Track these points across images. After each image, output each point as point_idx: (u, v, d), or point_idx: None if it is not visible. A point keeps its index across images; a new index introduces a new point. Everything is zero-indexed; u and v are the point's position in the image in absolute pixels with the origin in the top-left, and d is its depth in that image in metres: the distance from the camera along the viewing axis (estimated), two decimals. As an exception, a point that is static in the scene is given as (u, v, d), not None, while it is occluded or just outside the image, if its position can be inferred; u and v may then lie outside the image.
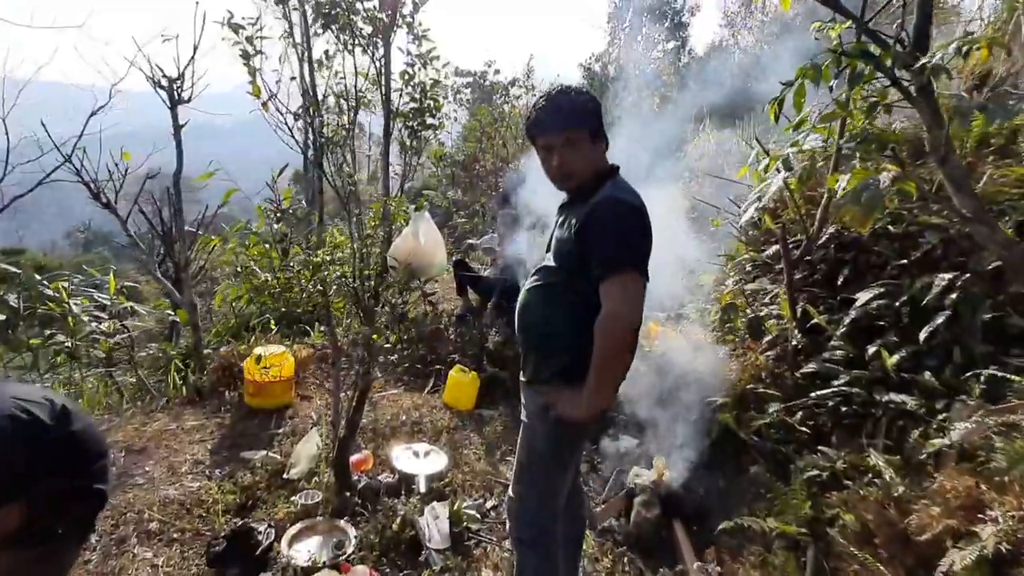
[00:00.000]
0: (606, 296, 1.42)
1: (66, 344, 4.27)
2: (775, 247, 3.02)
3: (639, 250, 1.47)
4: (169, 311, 4.64)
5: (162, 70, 3.67)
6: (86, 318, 4.33)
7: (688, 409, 3.04)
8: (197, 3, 3.53)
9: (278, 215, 2.61)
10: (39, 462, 2.08)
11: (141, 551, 2.17)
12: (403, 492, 2.67)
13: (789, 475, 2.34)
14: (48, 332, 4.41)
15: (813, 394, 2.39)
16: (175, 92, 3.73)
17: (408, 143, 2.90)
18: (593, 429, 2.85)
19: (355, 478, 2.67)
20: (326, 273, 2.16)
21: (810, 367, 2.54)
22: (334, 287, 2.24)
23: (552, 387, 1.58)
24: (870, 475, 2.03)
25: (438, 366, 3.83)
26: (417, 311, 3.82)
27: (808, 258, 2.80)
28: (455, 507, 2.46)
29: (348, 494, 2.57)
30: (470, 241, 5.91)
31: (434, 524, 2.43)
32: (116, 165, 3.84)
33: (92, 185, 3.67)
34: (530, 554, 1.73)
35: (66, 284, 4.46)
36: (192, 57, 3.67)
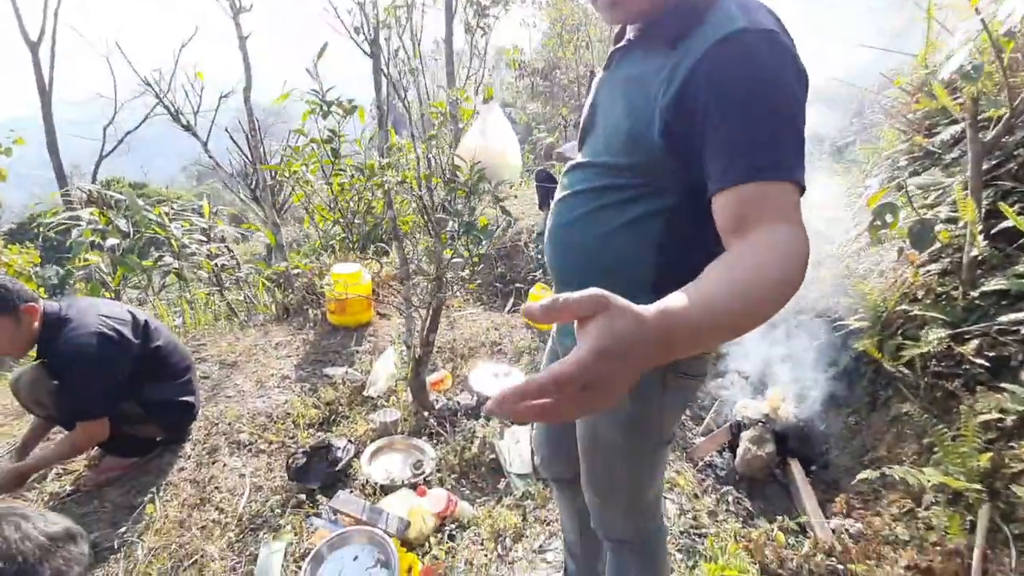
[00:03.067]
0: (776, 212, 0.69)
1: (174, 265, 4.56)
2: (950, 130, 2.31)
3: (802, 138, 0.75)
4: (258, 232, 4.76)
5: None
6: (187, 240, 4.55)
7: (812, 334, 2.57)
8: None
9: (323, 109, 2.35)
10: (127, 376, 2.14)
11: (231, 461, 2.22)
12: (482, 414, 2.54)
13: (954, 418, 1.87)
14: (158, 254, 4.73)
15: (1003, 318, 1.83)
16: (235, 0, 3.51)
17: (474, 23, 2.47)
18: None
19: (433, 398, 2.56)
20: (385, 179, 1.90)
21: (994, 283, 1.94)
22: (397, 196, 1.97)
23: None
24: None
25: (518, 284, 3.59)
26: (491, 222, 3.54)
27: (1004, 141, 2.09)
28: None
29: (426, 414, 2.48)
30: (556, 148, 5.40)
31: (515, 448, 2.27)
32: (192, 86, 3.79)
33: (172, 108, 3.66)
34: (635, 558, 1.23)
35: (167, 209, 4.67)
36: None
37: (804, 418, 2.36)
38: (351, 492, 2.03)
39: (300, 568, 1.69)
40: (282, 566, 1.72)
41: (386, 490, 2.06)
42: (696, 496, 2.15)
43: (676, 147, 0.80)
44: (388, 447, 2.31)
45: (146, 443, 2.21)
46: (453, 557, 1.79)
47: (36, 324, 1.89)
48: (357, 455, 2.22)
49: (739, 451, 2.27)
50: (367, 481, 2.09)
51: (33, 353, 1.97)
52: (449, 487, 2.07)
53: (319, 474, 2.08)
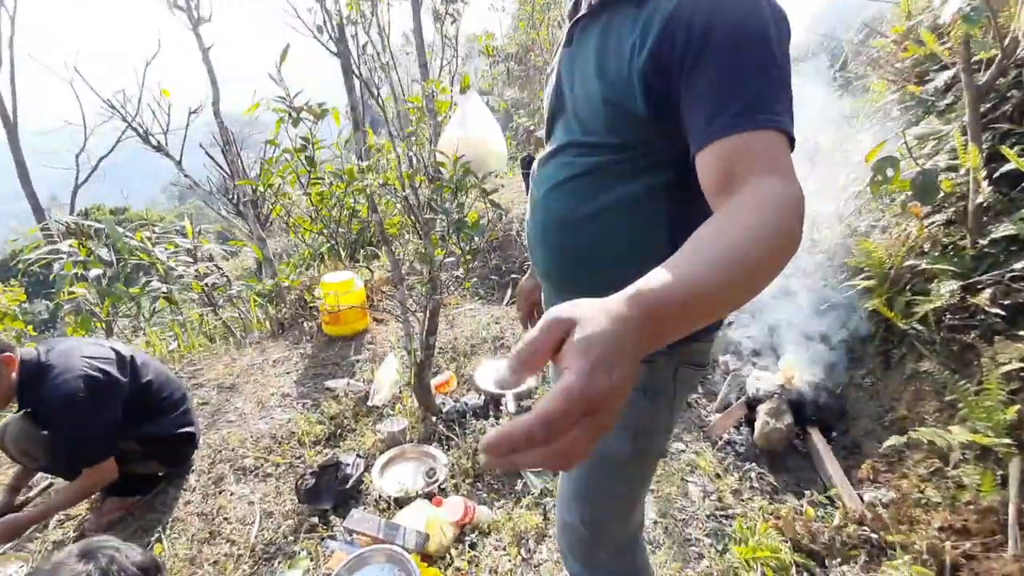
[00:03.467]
0: (765, 164, 0.63)
1: (162, 290, 4.46)
2: (942, 76, 2.24)
3: (789, 84, 0.69)
4: (245, 247, 4.65)
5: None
6: (172, 263, 4.45)
7: (819, 298, 2.51)
8: None
9: (293, 116, 2.25)
10: (121, 416, 2.06)
11: (238, 488, 2.15)
12: (492, 413, 2.48)
13: (974, 371, 1.82)
14: (145, 280, 4.62)
15: (1017, 264, 1.77)
16: (192, 11, 3.37)
17: (442, 10, 2.36)
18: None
19: (439, 401, 2.50)
20: (366, 183, 1.81)
21: (1003, 229, 1.88)
22: (381, 198, 1.88)
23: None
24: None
25: (514, 275, 3.51)
26: (481, 216, 3.47)
27: (997, 84, 2.02)
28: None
29: (434, 419, 2.42)
30: (534, 132, 5.28)
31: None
32: (159, 104, 3.66)
33: (140, 129, 3.53)
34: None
35: (148, 234, 4.55)
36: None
37: (819, 385, 2.31)
38: (365, 509, 1.97)
39: (320, 594, 1.63)
40: (301, 594, 1.67)
41: (400, 503, 2.00)
42: (718, 476, 2.10)
43: (662, 111, 0.72)
44: (399, 457, 2.25)
45: (148, 479, 2.14)
46: (476, 566, 1.74)
47: (14, 375, 1.80)
48: (368, 469, 2.16)
49: (757, 425, 2.22)
50: (380, 496, 2.04)
51: (15, 405, 1.89)
52: (465, 493, 2.01)
53: (330, 493, 2.01)
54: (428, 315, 2.24)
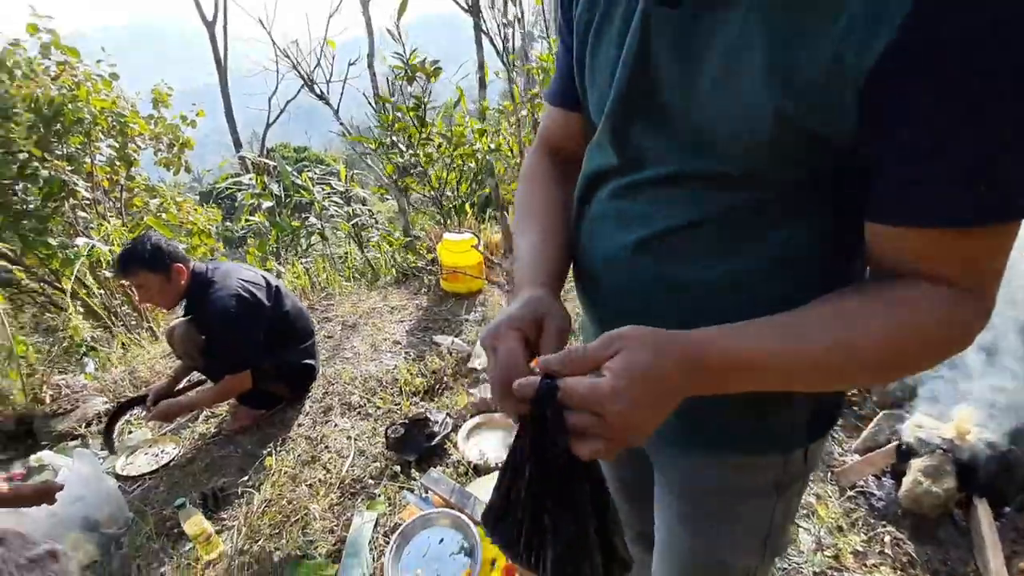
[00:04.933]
0: (971, 273, 0.47)
1: (317, 226, 4.97)
2: None
3: None
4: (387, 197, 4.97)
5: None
6: (327, 203, 4.91)
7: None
8: None
9: (408, 73, 2.20)
10: (261, 336, 2.32)
11: (341, 422, 2.33)
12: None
13: None
14: (304, 216, 5.19)
15: None
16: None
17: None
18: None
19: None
20: (478, 147, 1.73)
21: None
22: (499, 162, 1.79)
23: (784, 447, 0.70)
24: None
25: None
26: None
27: None
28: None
29: (528, 393, 2.36)
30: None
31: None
32: (323, 52, 3.94)
33: (306, 77, 3.85)
34: None
35: (311, 175, 5.06)
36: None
37: (1001, 448, 1.80)
38: (444, 470, 2.01)
39: (388, 541, 1.70)
40: (371, 537, 1.75)
41: (479, 471, 2.00)
42: (840, 529, 1.77)
43: (867, 135, 0.46)
44: (486, 425, 2.24)
45: (274, 399, 2.41)
46: (539, 557, 1.67)
47: (184, 282, 2.10)
48: (455, 429, 2.19)
49: (906, 481, 1.81)
50: (461, 460, 2.06)
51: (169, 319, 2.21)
52: (542, 478, 1.94)
53: (415, 447, 2.08)
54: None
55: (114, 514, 1.88)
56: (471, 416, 2.29)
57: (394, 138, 2.68)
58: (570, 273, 0.75)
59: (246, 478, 2.05)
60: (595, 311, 0.72)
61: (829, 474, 1.98)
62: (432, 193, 3.37)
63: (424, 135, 2.44)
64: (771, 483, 0.71)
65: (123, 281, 2.27)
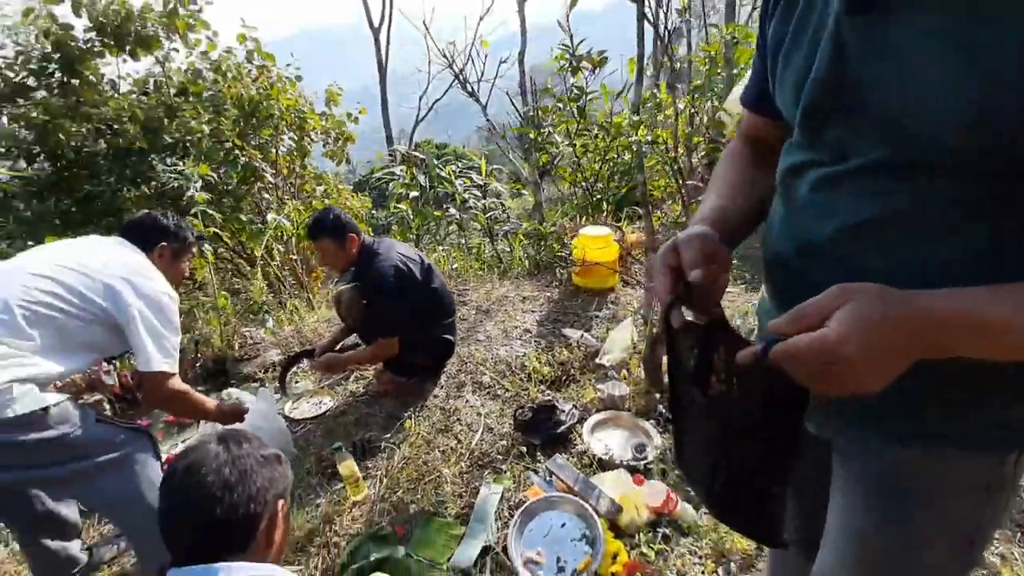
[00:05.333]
0: None
1: (456, 217, 5.29)
2: None
3: None
4: (522, 191, 5.12)
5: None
6: (467, 196, 5.20)
7: None
8: None
9: (572, 64, 2.21)
10: (412, 306, 2.54)
11: (472, 398, 2.46)
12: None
13: None
14: (445, 206, 5.54)
15: None
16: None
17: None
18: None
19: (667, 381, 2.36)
20: (632, 139, 1.71)
21: None
22: (652, 157, 1.77)
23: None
24: None
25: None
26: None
27: None
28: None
29: (658, 396, 2.30)
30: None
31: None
32: (478, 54, 4.17)
33: (459, 76, 4.11)
34: None
35: (454, 168, 5.39)
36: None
37: None
38: (568, 458, 2.03)
39: (512, 516, 1.77)
40: (497, 508, 1.83)
41: (603, 465, 2.00)
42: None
43: None
44: (612, 421, 2.23)
45: (415, 369, 2.62)
46: (664, 561, 1.63)
47: (354, 251, 2.36)
48: (580, 421, 2.20)
49: None
50: (585, 451, 2.06)
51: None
52: (671, 483, 1.88)
53: (542, 431, 2.13)
54: (675, 288, 2.08)
55: (283, 448, 2.17)
56: (596, 411, 2.28)
57: (550, 128, 2.75)
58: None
59: (389, 435, 2.26)
60: (784, 302, 0.70)
61: (1017, 533, 1.67)
62: (583, 184, 3.40)
63: (583, 126, 2.48)
64: (983, 484, 0.66)
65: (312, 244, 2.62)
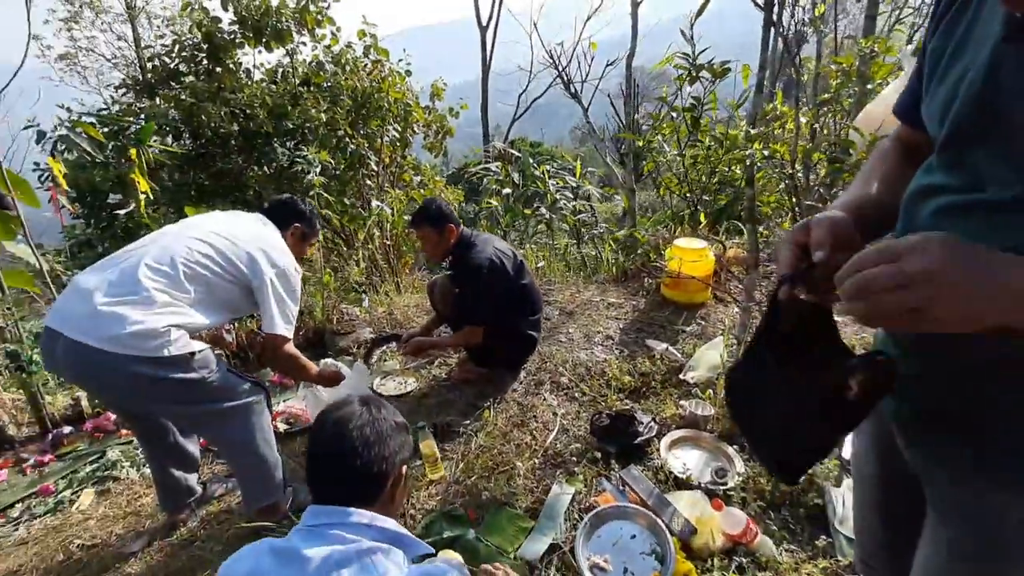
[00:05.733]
0: None
1: (545, 216, 5.33)
2: None
3: None
4: (615, 195, 5.05)
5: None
6: (558, 196, 5.23)
7: None
8: None
9: (691, 74, 2.14)
10: (501, 298, 2.61)
11: (550, 397, 2.49)
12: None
13: None
14: (536, 205, 5.60)
15: None
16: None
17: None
18: None
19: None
20: (748, 152, 1.64)
21: None
22: (762, 172, 1.69)
23: None
24: None
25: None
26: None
27: None
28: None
29: (743, 421, 2.20)
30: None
31: (847, 502, 1.79)
32: (585, 56, 4.17)
33: (565, 77, 4.12)
34: None
35: (549, 167, 5.43)
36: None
37: None
38: (643, 470, 2.00)
39: (581, 519, 1.77)
40: (567, 508, 1.85)
41: (679, 484, 1.95)
42: None
43: None
44: (692, 440, 2.16)
45: (496, 360, 2.68)
46: (737, 592, 1.56)
47: (452, 241, 2.46)
48: (658, 435, 2.16)
49: None
50: (662, 466, 2.02)
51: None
52: (752, 514, 1.80)
53: (618, 440, 2.11)
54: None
55: (370, 421, 2.33)
56: (676, 427, 2.23)
57: (660, 136, 2.71)
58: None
59: (467, 422, 2.34)
60: (897, 333, 0.73)
61: None
62: (688, 196, 3.31)
63: (696, 137, 2.41)
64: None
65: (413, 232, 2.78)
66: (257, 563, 0.87)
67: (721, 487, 1.91)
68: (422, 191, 6.74)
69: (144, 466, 2.33)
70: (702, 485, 1.92)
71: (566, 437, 2.24)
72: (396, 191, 5.72)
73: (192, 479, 2.00)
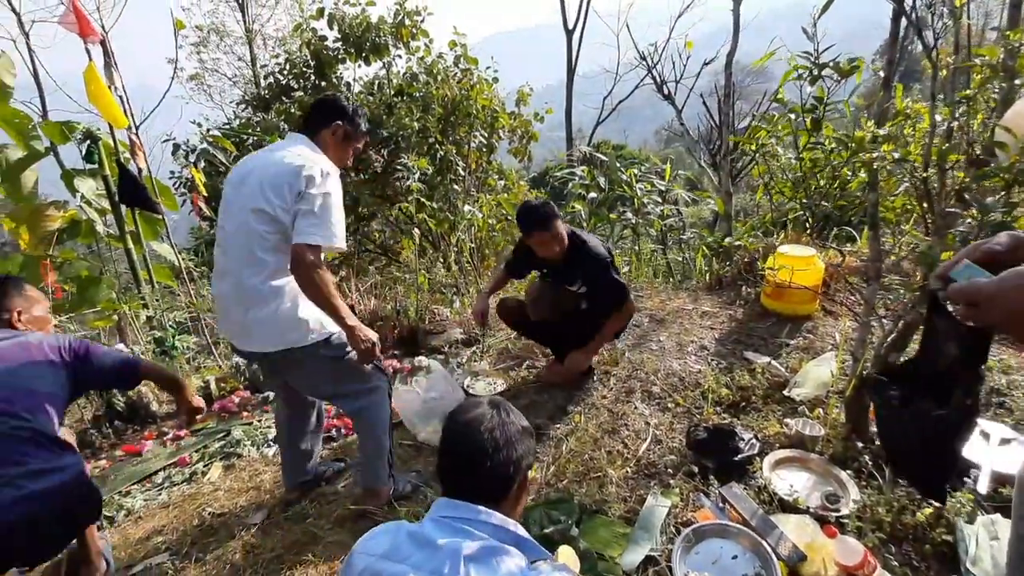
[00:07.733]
0: None
1: (632, 221, 5.23)
2: None
3: None
4: (708, 199, 4.84)
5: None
6: (646, 200, 5.11)
7: None
8: None
9: (813, 70, 1.99)
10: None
11: (641, 406, 2.44)
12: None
13: None
14: (621, 209, 5.51)
15: None
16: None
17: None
18: None
19: (873, 430, 2.07)
20: (876, 155, 1.51)
21: None
22: (887, 175, 1.56)
23: None
24: None
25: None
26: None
27: None
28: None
29: (860, 445, 2.03)
30: None
31: (988, 545, 1.60)
32: (679, 55, 4.04)
33: (658, 78, 4.02)
34: None
35: (636, 171, 5.32)
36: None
37: None
38: (744, 489, 1.90)
39: (679, 532, 1.72)
40: (664, 521, 1.80)
41: (784, 507, 1.83)
42: None
43: None
44: (798, 461, 2.03)
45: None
46: (855, 629, 1.45)
47: (565, 239, 2.46)
48: (760, 454, 2.05)
49: None
50: (765, 486, 1.91)
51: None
52: (869, 545, 1.66)
53: (717, 455, 2.02)
54: (901, 327, 1.81)
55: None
56: (780, 447, 2.10)
57: (774, 139, 2.57)
58: None
59: (557, 426, 2.35)
60: None
61: None
62: (805, 202, 3.12)
63: (815, 139, 2.27)
64: None
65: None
66: (395, 542, 0.94)
67: (833, 513, 1.77)
68: (506, 195, 6.86)
69: (264, 446, 2.57)
70: (811, 510, 1.79)
71: (660, 448, 2.18)
72: (483, 195, 5.85)
73: (313, 461, 2.19)
